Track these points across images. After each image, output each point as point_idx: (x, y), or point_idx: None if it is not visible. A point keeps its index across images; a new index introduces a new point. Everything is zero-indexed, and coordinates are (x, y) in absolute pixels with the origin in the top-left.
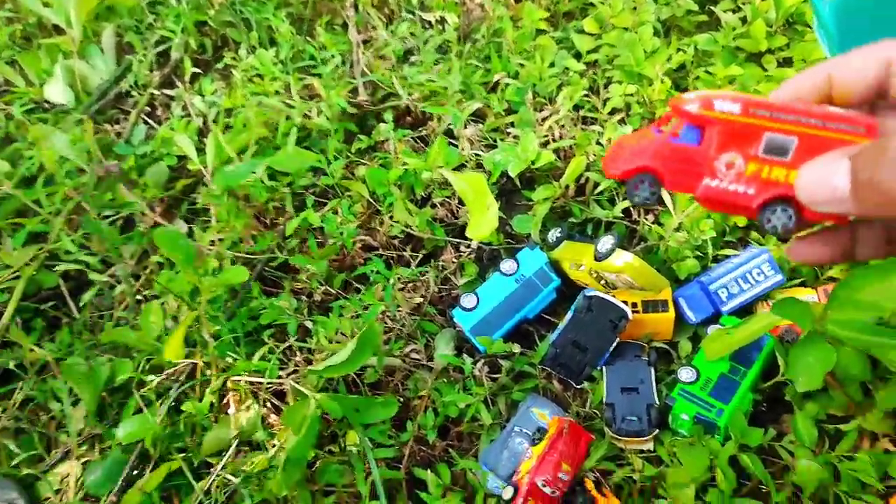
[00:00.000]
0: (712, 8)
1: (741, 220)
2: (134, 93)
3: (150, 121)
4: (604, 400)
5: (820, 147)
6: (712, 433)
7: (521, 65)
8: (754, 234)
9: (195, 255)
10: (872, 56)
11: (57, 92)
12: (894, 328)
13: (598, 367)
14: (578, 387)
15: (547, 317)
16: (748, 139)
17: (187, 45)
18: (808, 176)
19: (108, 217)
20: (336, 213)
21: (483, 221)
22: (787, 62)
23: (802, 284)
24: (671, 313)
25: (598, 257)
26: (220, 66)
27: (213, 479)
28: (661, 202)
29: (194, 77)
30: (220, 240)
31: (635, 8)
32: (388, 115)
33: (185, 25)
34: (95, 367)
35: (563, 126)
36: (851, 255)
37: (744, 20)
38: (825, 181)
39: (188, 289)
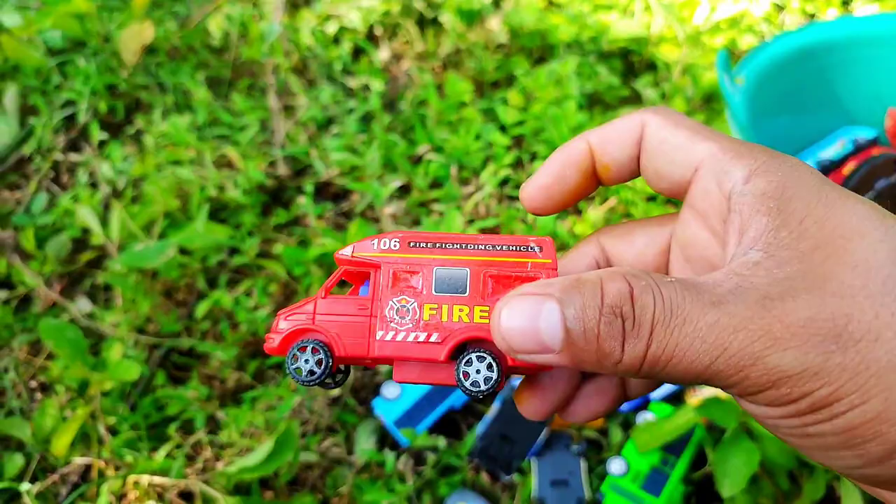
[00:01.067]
0: (633, 86)
1: None
2: (37, 158)
3: (55, 186)
4: (533, 494)
5: (497, 277)
6: None
7: (446, 139)
8: None
9: (85, 349)
10: (631, 122)
11: None
12: None
13: (527, 459)
14: (508, 478)
15: (475, 405)
16: (418, 278)
17: (96, 108)
18: (507, 320)
19: None
20: (250, 294)
21: None
22: None
23: None
24: None
25: None
26: (131, 131)
27: None
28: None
29: (103, 142)
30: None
31: (559, 81)
32: (309, 188)
33: (94, 87)
34: None
35: (488, 203)
36: (625, 397)
37: (664, 96)
38: (530, 329)
39: (79, 381)
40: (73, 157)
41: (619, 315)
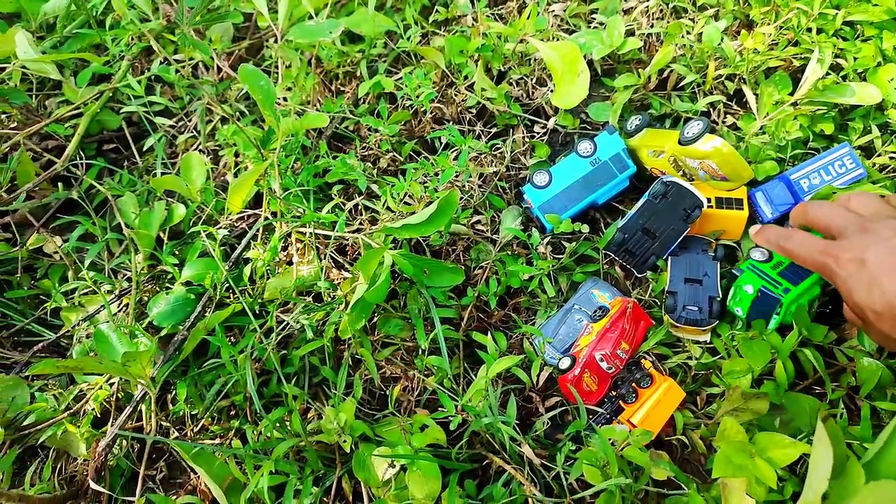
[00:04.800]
0: None
1: (828, 128)
2: None
3: None
4: (666, 288)
5: None
6: (769, 315)
7: None
8: (841, 138)
9: (274, 99)
10: None
11: None
12: None
13: (664, 258)
14: (640, 275)
15: (616, 205)
16: None
17: None
18: None
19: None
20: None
21: (573, 90)
22: None
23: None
24: (745, 212)
25: (685, 141)
26: None
27: (277, 322)
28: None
29: None
30: (287, 98)
31: None
32: None
33: None
34: (152, 206)
35: (650, 16)
36: None
37: None
38: None
39: (259, 137)
40: None
41: None
